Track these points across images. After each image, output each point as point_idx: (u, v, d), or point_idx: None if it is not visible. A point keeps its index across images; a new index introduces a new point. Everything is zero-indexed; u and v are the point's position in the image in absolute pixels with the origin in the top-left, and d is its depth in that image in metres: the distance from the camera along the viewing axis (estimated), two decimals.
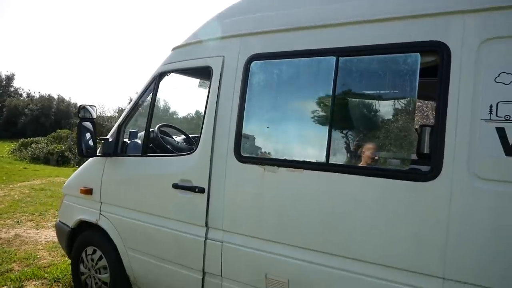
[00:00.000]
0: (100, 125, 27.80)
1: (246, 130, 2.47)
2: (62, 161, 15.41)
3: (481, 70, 1.81)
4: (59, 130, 18.86)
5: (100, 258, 3.29)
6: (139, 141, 3.35)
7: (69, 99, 30.27)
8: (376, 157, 2.12)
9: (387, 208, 1.98)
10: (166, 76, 3.03)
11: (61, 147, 15.96)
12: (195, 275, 2.66)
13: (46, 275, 4.02)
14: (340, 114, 2.19)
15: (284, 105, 2.41)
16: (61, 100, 28.92)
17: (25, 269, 4.17)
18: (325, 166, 2.17)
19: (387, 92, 2.15)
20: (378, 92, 2.18)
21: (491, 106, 1.77)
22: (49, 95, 29.17)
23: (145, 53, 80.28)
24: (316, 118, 2.28)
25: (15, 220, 6.22)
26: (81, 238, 3.45)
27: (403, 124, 2.05)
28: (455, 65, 1.87)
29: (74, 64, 74.86)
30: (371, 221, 2.01)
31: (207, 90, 3.77)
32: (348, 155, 2.20)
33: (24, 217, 6.50)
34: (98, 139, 3.16)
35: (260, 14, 2.51)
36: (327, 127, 2.18)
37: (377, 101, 2.16)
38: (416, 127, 2.15)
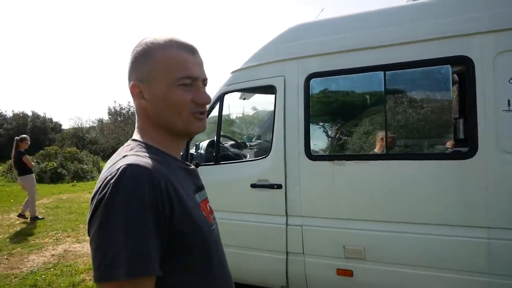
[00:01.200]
0: (80, 137, 27.72)
1: (313, 134, 3.10)
2: (56, 178, 15.42)
3: (497, 75, 2.51)
4: (47, 147, 18.68)
5: None
6: (203, 152, 3.91)
7: (44, 114, 29.64)
8: (425, 145, 2.80)
9: (439, 182, 2.67)
10: (227, 94, 3.59)
11: (53, 164, 15.94)
12: (279, 256, 3.27)
13: None
14: (392, 115, 2.86)
15: (345, 111, 3.05)
16: (36, 116, 28.34)
17: None
18: (385, 156, 2.84)
19: (427, 96, 2.83)
20: (420, 96, 2.84)
21: (508, 100, 2.48)
22: (22, 112, 28.52)
23: (119, 64, 78.30)
24: (372, 119, 2.93)
25: (53, 238, 6.58)
26: None
27: (443, 119, 2.74)
28: (478, 73, 2.56)
29: (45, 78, 72.11)
30: (428, 192, 2.70)
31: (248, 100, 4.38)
32: (402, 145, 2.87)
33: (58, 234, 6.85)
34: None
35: (313, 40, 3.12)
36: (384, 126, 2.85)
37: (419, 104, 2.83)
38: (453, 120, 2.83)
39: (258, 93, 4.05)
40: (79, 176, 16.11)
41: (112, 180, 0.81)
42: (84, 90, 70.77)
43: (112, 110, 25.53)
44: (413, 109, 2.83)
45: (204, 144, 3.98)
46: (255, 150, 4.19)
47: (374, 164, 2.88)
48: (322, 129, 3.13)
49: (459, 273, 2.64)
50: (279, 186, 3.21)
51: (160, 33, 1.01)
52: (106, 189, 0.81)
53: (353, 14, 3.07)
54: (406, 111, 2.84)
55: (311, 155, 3.08)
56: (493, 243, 2.53)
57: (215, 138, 4.03)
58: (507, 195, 2.48)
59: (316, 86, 3.11)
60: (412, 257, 2.78)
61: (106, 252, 0.78)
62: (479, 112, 2.55)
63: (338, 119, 3.09)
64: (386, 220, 2.85)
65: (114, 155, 0.97)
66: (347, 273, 3.01)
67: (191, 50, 0.98)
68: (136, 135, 1.02)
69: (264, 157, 3.34)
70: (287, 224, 3.22)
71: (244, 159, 3.70)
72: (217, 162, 3.58)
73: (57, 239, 6.53)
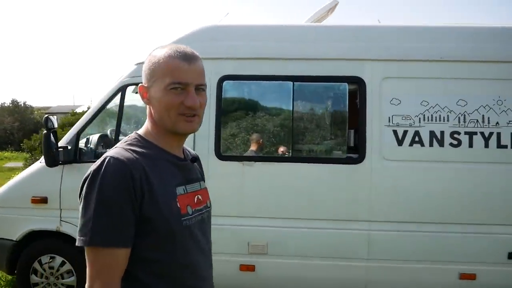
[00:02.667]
0: None
1: (224, 135, 3.17)
2: None
3: (382, 96, 3.06)
4: None
5: (62, 264, 3.37)
6: (93, 146, 3.52)
7: None
8: (324, 151, 3.19)
9: (334, 182, 3.09)
10: (130, 87, 3.34)
11: None
12: None
13: None
14: (297, 122, 3.16)
15: (255, 114, 3.21)
16: None
17: None
18: (290, 159, 3.12)
19: (328, 108, 3.22)
20: (322, 107, 3.22)
21: (389, 117, 3.05)
22: None
23: None
24: (280, 125, 3.18)
25: None
26: (32, 249, 3.40)
27: (339, 128, 3.17)
28: (368, 92, 3.07)
29: None
30: (325, 191, 3.09)
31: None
32: (306, 150, 3.20)
33: None
34: (59, 147, 3.19)
35: (229, 43, 3.19)
36: (290, 131, 3.12)
37: (322, 114, 3.21)
38: (346, 130, 3.29)
39: None
40: None
41: (95, 168, 1.04)
42: None
43: None
44: (316, 118, 3.20)
45: (94, 138, 3.59)
46: None
47: (280, 165, 3.13)
48: (233, 130, 3.22)
49: (345, 260, 3.10)
50: None
51: (166, 43, 1.20)
52: (89, 173, 1.04)
53: (267, 25, 3.30)
54: (309, 119, 3.18)
55: (221, 155, 3.14)
56: (373, 233, 3.06)
57: (108, 132, 3.71)
58: (385, 194, 3.05)
59: (229, 88, 3.19)
60: (308, 249, 3.13)
61: (82, 222, 1.01)
62: (368, 125, 3.05)
63: (249, 121, 3.23)
64: (289, 217, 3.13)
65: (118, 143, 1.18)
66: (250, 268, 3.18)
67: (187, 59, 1.11)
68: (140, 129, 1.21)
69: None
70: None
71: None
72: None
73: None
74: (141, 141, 1.15)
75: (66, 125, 9.86)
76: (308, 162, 3.13)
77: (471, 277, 3.00)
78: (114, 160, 1.03)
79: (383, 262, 3.07)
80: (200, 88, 1.15)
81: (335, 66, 3.11)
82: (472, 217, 2.99)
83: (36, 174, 3.41)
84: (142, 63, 3.17)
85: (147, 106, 1.17)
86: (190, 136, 3.14)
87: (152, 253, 1.07)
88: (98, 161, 1.05)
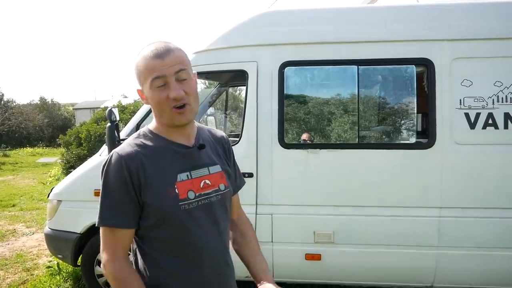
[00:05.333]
0: None
1: (287, 122, 3.11)
2: None
3: (453, 77, 2.94)
4: None
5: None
6: None
7: None
8: (392, 136, 3.09)
9: (402, 169, 3.00)
10: None
11: None
12: None
13: None
14: (364, 107, 3.06)
15: (319, 101, 3.13)
16: None
17: None
18: (357, 145, 3.04)
19: (395, 91, 3.11)
20: (389, 91, 3.11)
21: (460, 100, 2.93)
22: None
23: None
24: (346, 110, 3.09)
25: None
26: (96, 240, 3.44)
27: (407, 113, 3.06)
28: (438, 74, 2.94)
29: None
30: (392, 178, 3.00)
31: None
32: (373, 136, 3.11)
33: None
34: (120, 139, 3.19)
35: (289, 28, 3.10)
36: (356, 117, 3.03)
37: (389, 98, 3.11)
38: (415, 114, 3.17)
39: (214, 78, 3.83)
40: None
41: (104, 162, 1.23)
42: None
43: None
44: (382, 103, 3.10)
45: None
46: None
47: (347, 152, 3.05)
48: (297, 117, 3.15)
49: (415, 248, 3.02)
50: (250, 175, 3.11)
51: (145, 44, 1.24)
52: (102, 166, 1.23)
53: (328, 8, 3.17)
54: (376, 104, 3.08)
55: (285, 143, 3.09)
56: (443, 220, 2.97)
57: None
58: (457, 179, 2.94)
59: (291, 74, 3.11)
60: (375, 237, 3.06)
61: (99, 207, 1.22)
62: (437, 108, 2.94)
63: (313, 108, 3.15)
64: (355, 204, 3.06)
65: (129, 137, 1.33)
66: (316, 257, 3.14)
67: (159, 56, 1.16)
68: (150, 123, 1.33)
69: (233, 145, 3.19)
70: (256, 213, 3.16)
71: None
72: None
73: None
74: (149, 134, 1.28)
75: (99, 120, 9.95)
76: (376, 148, 3.05)
77: None
78: (116, 155, 1.21)
79: (454, 250, 2.98)
80: (182, 77, 1.18)
81: (402, 48, 2.99)
82: None
83: (98, 167, 3.41)
84: (201, 52, 3.14)
85: None
86: (253, 124, 3.12)
87: (154, 232, 1.24)
88: (108, 156, 1.24)
